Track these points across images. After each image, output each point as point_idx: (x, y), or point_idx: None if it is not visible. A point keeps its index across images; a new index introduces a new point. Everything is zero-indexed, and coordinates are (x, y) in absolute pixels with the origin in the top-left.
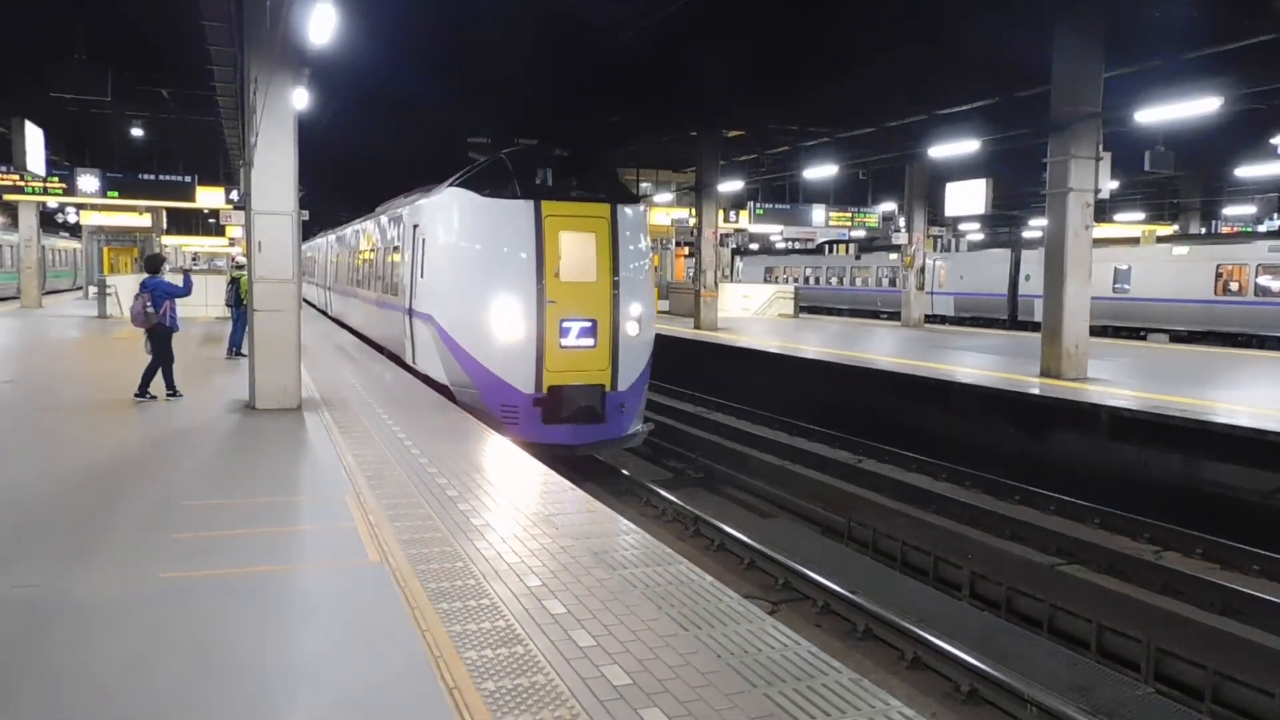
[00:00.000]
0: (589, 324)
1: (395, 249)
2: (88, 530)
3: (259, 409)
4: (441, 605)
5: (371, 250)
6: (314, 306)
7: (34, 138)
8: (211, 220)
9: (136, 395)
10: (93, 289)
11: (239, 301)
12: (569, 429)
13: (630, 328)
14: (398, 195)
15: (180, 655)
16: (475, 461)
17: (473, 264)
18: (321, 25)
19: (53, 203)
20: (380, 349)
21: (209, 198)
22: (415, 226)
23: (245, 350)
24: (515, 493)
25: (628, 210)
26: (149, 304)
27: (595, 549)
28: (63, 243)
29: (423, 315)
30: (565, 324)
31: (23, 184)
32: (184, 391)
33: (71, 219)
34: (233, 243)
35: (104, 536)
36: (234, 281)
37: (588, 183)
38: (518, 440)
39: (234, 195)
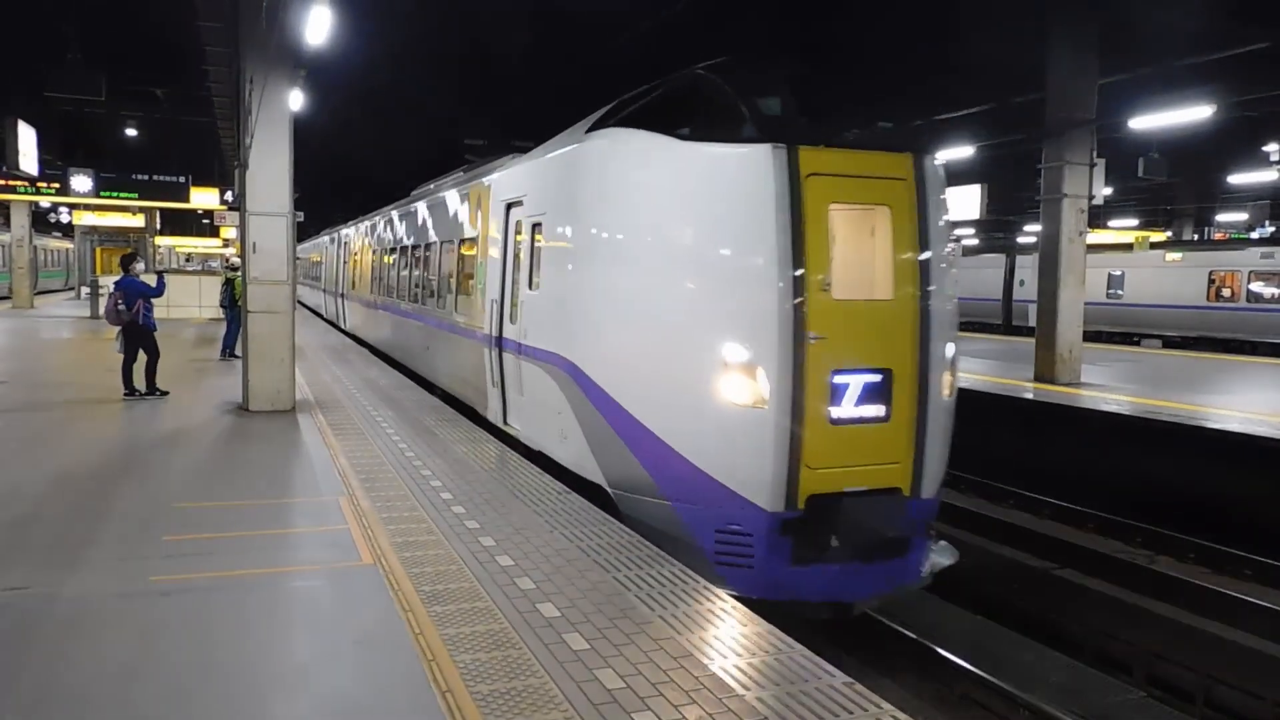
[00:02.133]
0: (878, 378)
1: (463, 243)
2: (77, 532)
3: (252, 411)
4: (435, 608)
5: (415, 248)
6: (321, 317)
7: (27, 137)
8: (206, 221)
9: (125, 394)
10: (85, 289)
11: (233, 303)
12: (843, 572)
13: (943, 383)
14: (419, 184)
15: (170, 659)
16: (469, 464)
17: (658, 267)
18: (317, 26)
19: (45, 203)
20: (429, 385)
21: (203, 198)
22: (511, 206)
23: (239, 352)
24: (510, 496)
25: (937, 167)
26: (120, 302)
27: (589, 551)
28: (55, 243)
29: (538, 354)
30: (839, 379)
31: (15, 184)
32: (175, 393)
33: (64, 219)
34: (227, 244)
35: (94, 539)
36: (228, 283)
37: (867, 118)
38: (744, 592)
39: (229, 196)
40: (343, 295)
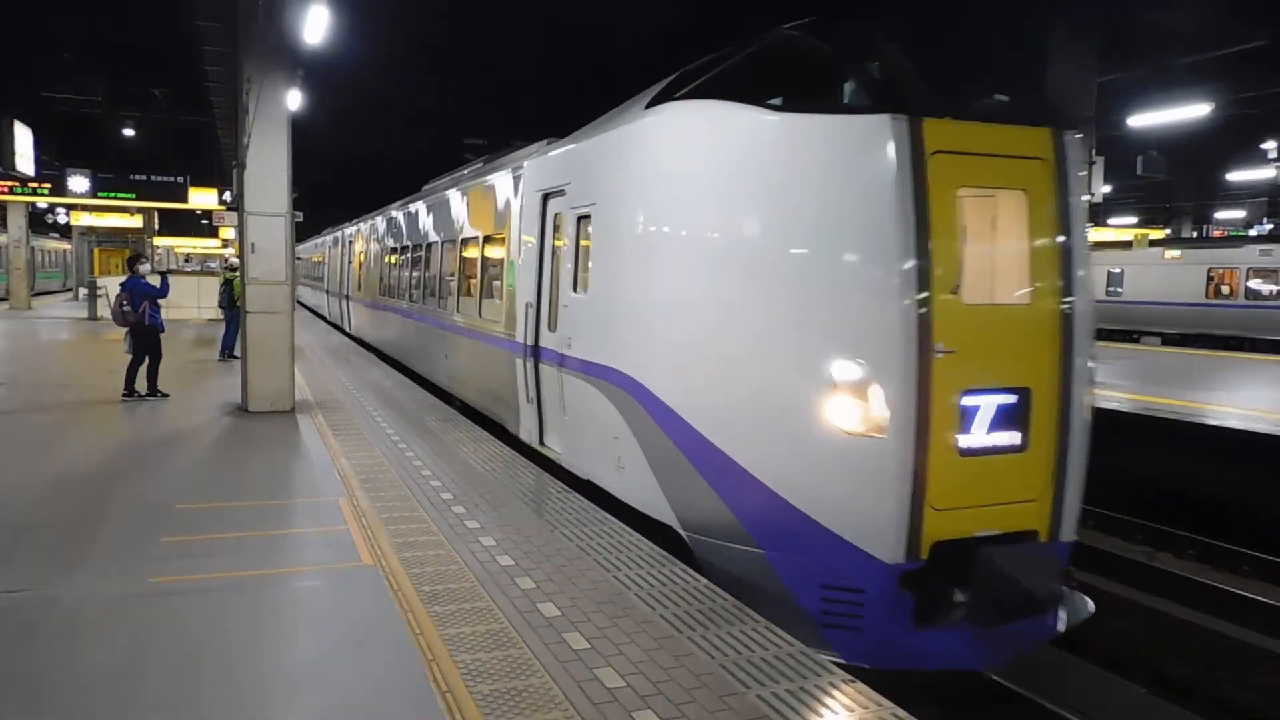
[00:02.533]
0: (1013, 399)
1: (488, 239)
2: (77, 534)
3: (252, 411)
4: (435, 608)
5: (429, 245)
6: (323, 319)
7: (23, 138)
8: (205, 222)
9: (124, 395)
10: (83, 290)
11: (232, 303)
12: (975, 636)
13: (1084, 404)
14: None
15: (171, 661)
16: (470, 464)
17: (746, 266)
18: (315, 25)
19: (42, 203)
20: (446, 396)
21: (202, 199)
22: (549, 197)
23: (238, 352)
24: (509, 496)
25: (1077, 144)
26: (126, 303)
27: (590, 550)
28: (52, 244)
29: (587, 368)
30: (968, 401)
31: (11, 184)
32: (175, 394)
33: (62, 220)
34: (226, 244)
35: (94, 540)
36: (227, 283)
37: (998, 83)
38: (854, 661)
39: (227, 196)
40: (347, 297)
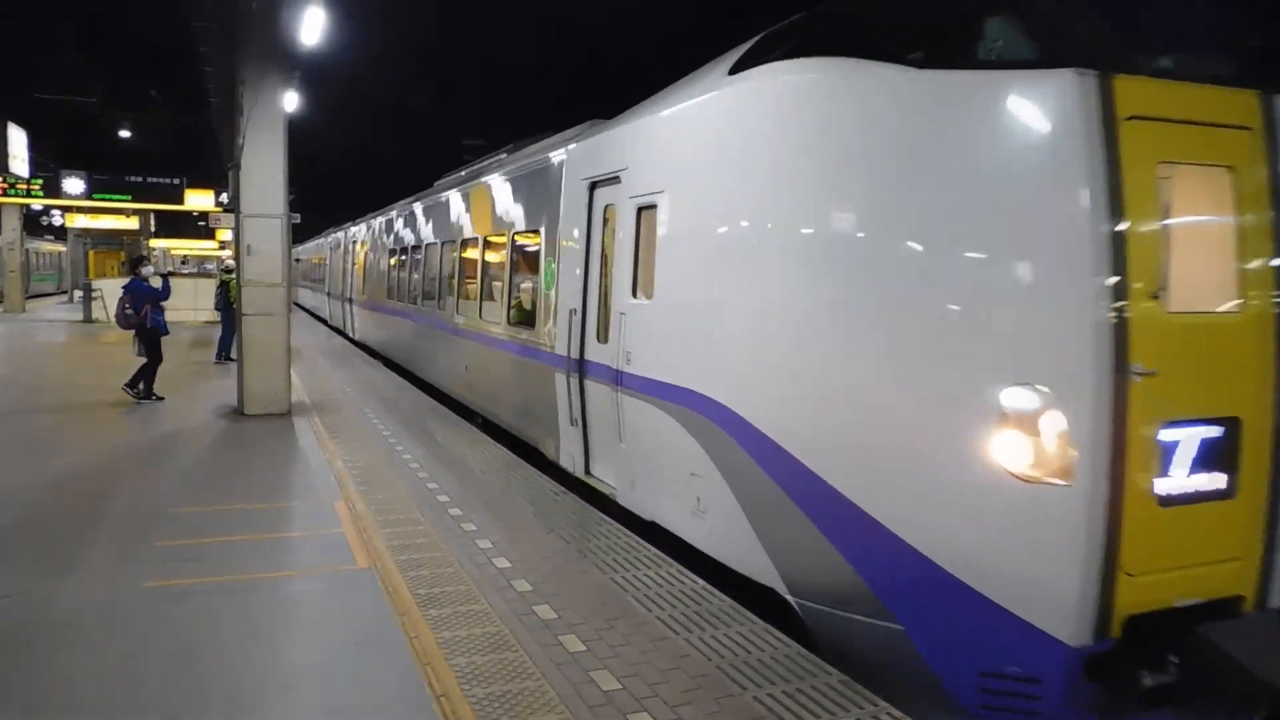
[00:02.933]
0: (1219, 432)
1: (519, 236)
2: (71, 537)
3: (248, 414)
4: (430, 611)
5: (445, 245)
6: (325, 324)
7: (17, 139)
8: (201, 223)
9: (143, 398)
10: (78, 293)
11: (229, 305)
12: None
13: None
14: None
15: (164, 664)
16: (467, 466)
17: (880, 266)
18: (311, 27)
19: (37, 205)
20: (467, 412)
21: (198, 200)
22: (597, 186)
23: (235, 355)
24: (507, 498)
25: None
26: (128, 306)
27: (587, 553)
28: (47, 246)
29: (654, 389)
30: (1167, 435)
31: (4, 185)
32: (170, 396)
33: (57, 222)
34: (223, 246)
35: (87, 544)
36: (224, 285)
37: (1193, 31)
38: None
39: (224, 198)
40: (350, 300)
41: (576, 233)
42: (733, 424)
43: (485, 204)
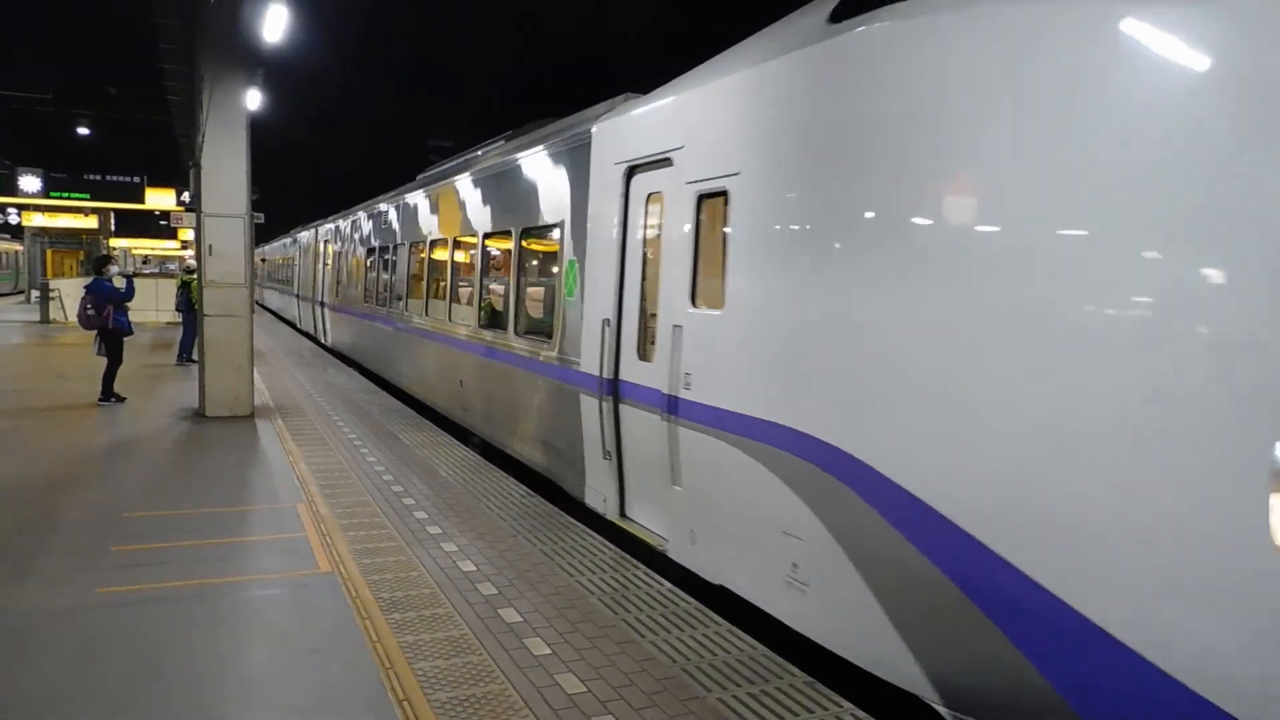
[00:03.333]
0: None
1: (528, 234)
2: (23, 544)
3: (209, 416)
4: (394, 616)
5: (437, 244)
6: (294, 327)
7: None
8: (163, 223)
9: (103, 400)
10: (35, 293)
11: (190, 306)
12: None
13: None
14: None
15: (117, 672)
16: (432, 468)
17: (1091, 268)
18: (274, 25)
19: None
20: (462, 433)
21: (159, 199)
22: (637, 171)
23: (196, 356)
24: (474, 501)
25: None
26: (90, 307)
27: (553, 555)
28: (3, 245)
29: (731, 422)
30: None
31: None
32: (130, 398)
33: (13, 220)
34: (185, 246)
35: (40, 550)
36: (185, 285)
37: None
38: None
39: (185, 197)
40: (322, 303)
41: (607, 227)
42: (856, 474)
43: (487, 196)
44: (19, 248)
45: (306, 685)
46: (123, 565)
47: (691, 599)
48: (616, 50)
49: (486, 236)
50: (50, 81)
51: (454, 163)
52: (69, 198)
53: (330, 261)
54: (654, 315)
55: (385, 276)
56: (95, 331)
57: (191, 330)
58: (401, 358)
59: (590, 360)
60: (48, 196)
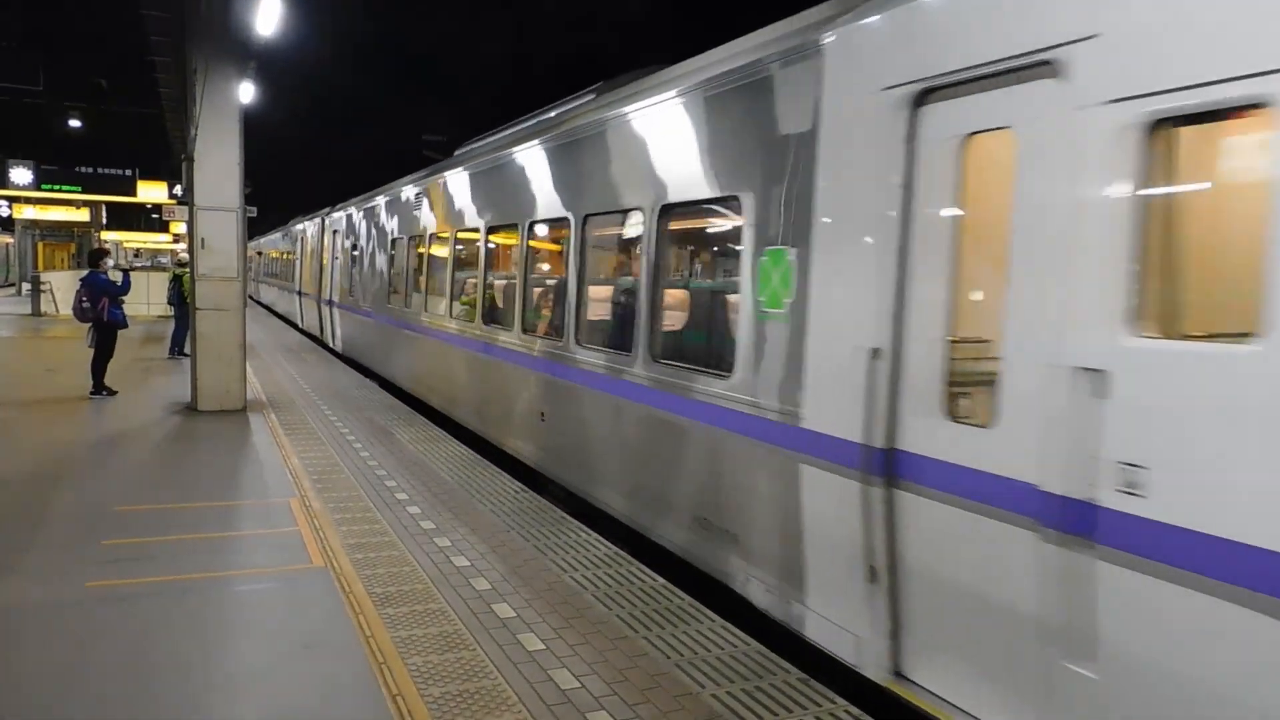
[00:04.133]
0: None
1: (686, 205)
2: (12, 538)
3: (201, 410)
4: (386, 610)
5: (496, 229)
6: (296, 328)
7: None
8: (155, 216)
9: (91, 394)
10: (26, 285)
11: (182, 300)
12: None
13: None
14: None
15: (106, 668)
16: (426, 464)
17: None
18: (267, 16)
19: None
20: (513, 465)
21: (151, 192)
22: (925, 96)
23: (188, 350)
24: (467, 496)
25: None
26: (85, 299)
27: (546, 551)
28: None
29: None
30: None
31: None
32: (121, 391)
33: (4, 213)
34: (177, 239)
35: (29, 545)
36: (176, 279)
37: None
38: None
39: (177, 190)
40: (329, 301)
41: (868, 194)
42: None
43: (590, 164)
44: (9, 240)
45: (298, 680)
46: (112, 560)
47: (685, 595)
48: (617, 38)
49: (587, 218)
50: (38, 73)
51: (522, 128)
52: (60, 190)
53: (335, 256)
54: (982, 343)
55: (422, 274)
56: (89, 324)
57: (183, 324)
58: (440, 370)
59: (827, 414)
60: (39, 189)
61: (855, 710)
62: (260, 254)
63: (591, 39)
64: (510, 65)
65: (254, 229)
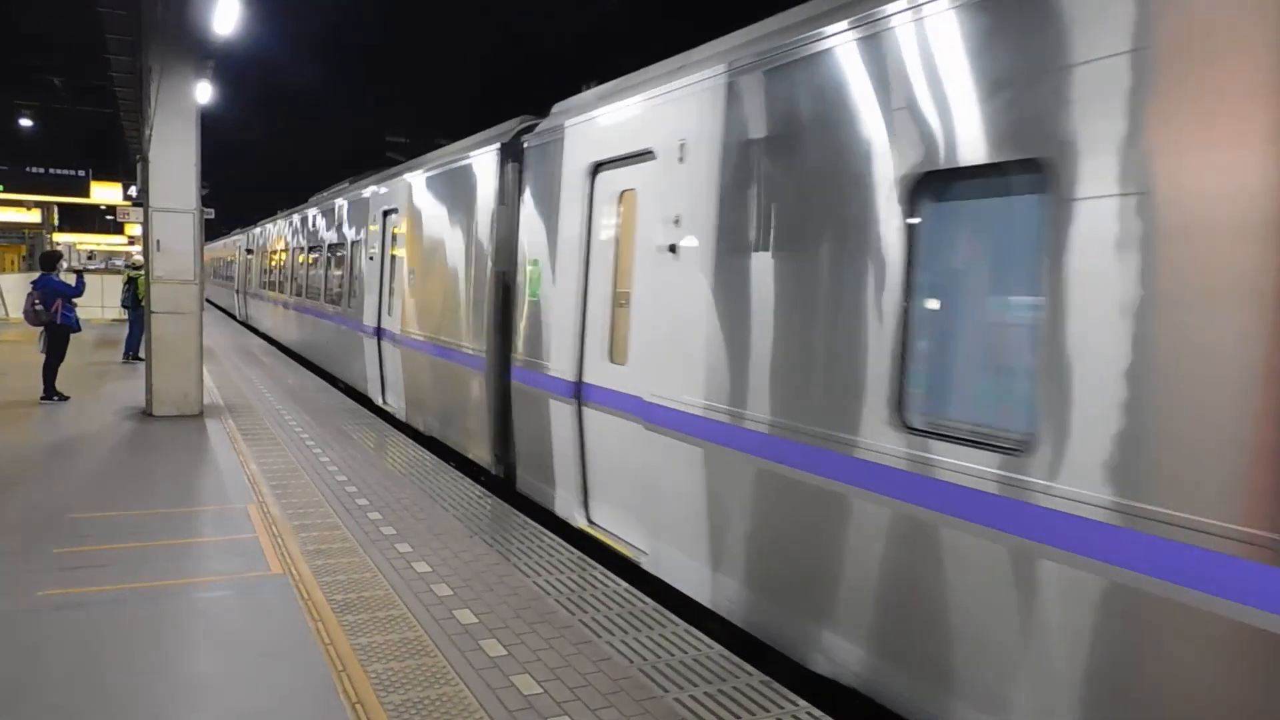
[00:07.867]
0: None
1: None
2: None
3: (157, 415)
4: (346, 617)
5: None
6: (255, 331)
7: None
8: (110, 217)
9: (42, 399)
10: None
11: (136, 303)
12: None
13: None
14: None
15: (59, 677)
16: (387, 469)
17: None
18: (225, 17)
19: None
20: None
21: (105, 194)
22: None
23: (143, 354)
24: (429, 501)
25: None
26: (38, 302)
27: (509, 556)
28: None
29: None
30: None
31: None
32: (73, 396)
33: None
34: (132, 241)
35: None
36: (131, 282)
37: None
38: None
39: (132, 191)
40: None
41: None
42: None
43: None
44: None
45: (256, 688)
46: (65, 568)
47: (649, 600)
48: (572, 50)
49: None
50: None
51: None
52: (10, 191)
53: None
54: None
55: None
56: (41, 328)
57: (138, 327)
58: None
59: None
60: None
61: (817, 712)
62: (250, 252)
63: (553, 48)
64: (473, 68)
65: (212, 231)
